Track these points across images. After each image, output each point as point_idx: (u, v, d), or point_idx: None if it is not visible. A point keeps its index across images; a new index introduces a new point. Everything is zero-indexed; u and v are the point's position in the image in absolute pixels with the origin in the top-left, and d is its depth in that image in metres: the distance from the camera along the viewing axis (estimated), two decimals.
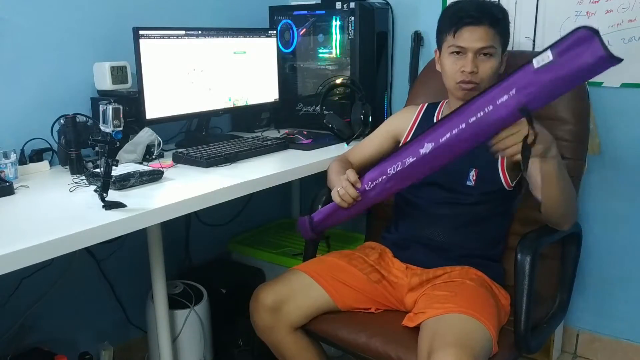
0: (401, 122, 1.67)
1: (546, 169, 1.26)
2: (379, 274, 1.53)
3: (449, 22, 1.46)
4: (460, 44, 1.44)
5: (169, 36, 1.78)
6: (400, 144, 1.61)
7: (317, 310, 1.47)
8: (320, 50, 2.19)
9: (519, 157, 1.15)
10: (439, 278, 1.46)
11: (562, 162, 1.29)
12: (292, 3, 2.32)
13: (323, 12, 2.15)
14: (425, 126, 1.59)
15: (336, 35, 2.13)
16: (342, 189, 1.38)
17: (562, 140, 1.55)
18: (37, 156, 1.64)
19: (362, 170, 1.43)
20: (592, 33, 1.03)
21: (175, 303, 1.77)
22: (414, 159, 1.27)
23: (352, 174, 1.39)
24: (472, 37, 1.42)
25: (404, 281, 1.51)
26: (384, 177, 1.33)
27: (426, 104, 1.67)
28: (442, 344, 1.18)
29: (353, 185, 1.37)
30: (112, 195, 1.28)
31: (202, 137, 1.97)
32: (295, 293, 1.47)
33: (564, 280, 1.55)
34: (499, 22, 1.45)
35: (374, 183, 1.35)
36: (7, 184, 1.39)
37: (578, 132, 1.56)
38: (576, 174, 1.55)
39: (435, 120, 1.60)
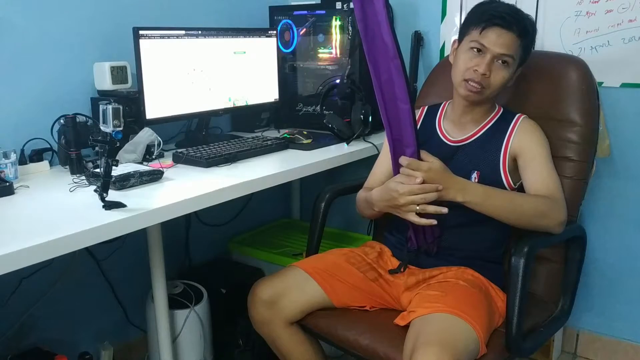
0: None
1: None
2: (376, 273, 1.54)
3: (479, 17, 1.43)
4: (484, 43, 1.41)
5: (169, 36, 1.78)
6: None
7: (312, 305, 1.48)
8: (320, 50, 2.19)
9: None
10: (434, 278, 1.47)
11: (490, 198, 1.38)
12: (292, 3, 2.32)
13: (323, 12, 2.15)
14: (428, 130, 1.60)
15: (336, 35, 2.13)
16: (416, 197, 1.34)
17: (570, 142, 1.54)
18: (37, 156, 1.63)
19: None
20: None
21: (175, 303, 1.77)
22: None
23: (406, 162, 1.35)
24: (497, 39, 1.40)
25: (400, 280, 1.51)
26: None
27: (426, 107, 1.67)
28: (424, 343, 1.19)
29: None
30: (112, 195, 1.28)
31: (202, 137, 1.97)
32: (291, 288, 1.48)
33: (567, 284, 1.54)
34: (527, 34, 1.43)
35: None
36: (7, 184, 1.39)
37: (587, 134, 1.54)
38: (583, 176, 1.54)
39: (437, 122, 1.60)
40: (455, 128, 1.56)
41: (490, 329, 1.33)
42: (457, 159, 1.51)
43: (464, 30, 1.48)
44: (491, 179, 1.47)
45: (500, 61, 1.42)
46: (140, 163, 1.61)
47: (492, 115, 1.54)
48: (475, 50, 1.43)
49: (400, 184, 1.35)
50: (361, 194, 1.60)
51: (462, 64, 1.45)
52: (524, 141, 1.47)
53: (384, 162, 1.65)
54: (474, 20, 1.44)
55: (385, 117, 1.33)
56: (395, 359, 1.29)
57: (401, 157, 1.34)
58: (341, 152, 1.86)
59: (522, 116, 1.53)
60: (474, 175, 1.47)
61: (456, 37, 1.54)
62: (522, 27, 1.42)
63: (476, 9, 1.48)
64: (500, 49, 1.40)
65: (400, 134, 1.33)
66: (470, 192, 1.36)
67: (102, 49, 1.79)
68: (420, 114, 1.66)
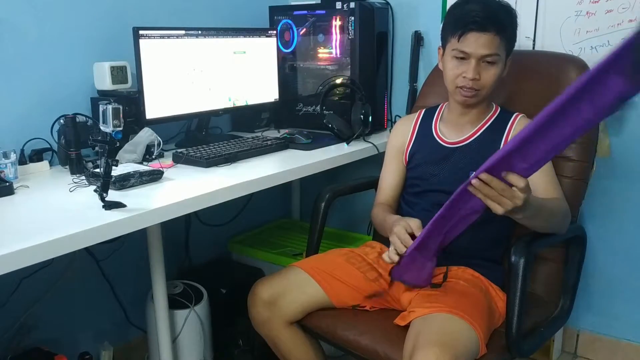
0: (400, 135, 1.66)
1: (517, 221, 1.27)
2: (377, 273, 1.54)
3: (455, 25, 1.43)
4: (464, 49, 1.41)
5: (169, 36, 1.78)
6: (404, 155, 1.64)
7: (312, 305, 1.48)
8: (320, 50, 2.19)
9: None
10: (434, 278, 1.46)
11: (540, 212, 1.27)
12: (292, 3, 2.32)
13: (323, 12, 2.15)
14: (424, 133, 1.61)
15: (336, 35, 2.13)
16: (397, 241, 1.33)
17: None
18: (37, 156, 1.63)
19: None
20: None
21: (175, 303, 1.77)
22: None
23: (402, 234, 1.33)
24: (477, 43, 1.39)
25: None
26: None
27: (423, 110, 1.68)
28: (424, 343, 1.19)
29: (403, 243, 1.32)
30: (112, 195, 1.28)
31: (202, 137, 1.96)
32: (291, 288, 1.49)
33: (567, 284, 1.54)
34: (505, 29, 1.42)
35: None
36: (7, 184, 1.39)
37: (586, 134, 1.54)
38: (583, 176, 1.54)
39: (434, 124, 1.61)
40: (452, 130, 1.57)
41: (490, 329, 1.33)
42: (454, 161, 1.51)
43: (444, 37, 1.49)
44: None
45: (486, 61, 1.41)
46: (140, 163, 1.61)
47: (489, 116, 1.54)
48: (458, 58, 1.43)
49: (400, 227, 1.33)
50: (377, 215, 1.59)
51: (451, 72, 1.46)
52: None
53: (389, 174, 1.66)
54: (451, 28, 1.44)
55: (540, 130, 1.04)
56: (395, 359, 1.29)
57: (510, 175, 1.12)
58: (341, 152, 1.86)
59: (520, 115, 1.53)
60: (472, 175, 1.47)
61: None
62: (498, 24, 1.40)
63: (449, 14, 1.48)
64: (482, 51, 1.40)
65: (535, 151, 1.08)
66: (529, 209, 1.20)
67: (102, 49, 1.79)
68: (417, 116, 1.66)
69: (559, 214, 1.38)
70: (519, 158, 1.08)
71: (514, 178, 1.11)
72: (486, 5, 1.41)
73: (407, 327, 1.32)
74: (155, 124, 1.76)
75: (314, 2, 2.20)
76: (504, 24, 1.41)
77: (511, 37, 1.46)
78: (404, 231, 1.32)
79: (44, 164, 1.64)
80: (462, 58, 1.42)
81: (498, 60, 1.42)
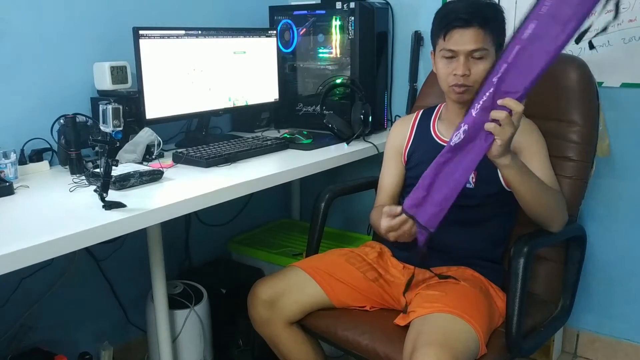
0: (399, 135, 1.66)
1: (505, 175, 1.31)
2: (376, 273, 1.54)
3: (439, 25, 1.45)
4: (451, 47, 1.41)
5: (169, 36, 1.78)
6: (402, 155, 1.64)
7: (312, 306, 1.48)
8: (320, 50, 2.19)
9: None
10: (434, 278, 1.46)
11: (528, 172, 1.31)
12: (292, 3, 2.32)
13: (323, 12, 2.15)
14: (422, 133, 1.61)
15: (336, 35, 2.13)
16: (389, 228, 1.32)
17: (569, 142, 1.55)
18: (37, 156, 1.63)
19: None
20: None
21: (175, 303, 1.77)
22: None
23: (385, 215, 1.33)
24: (462, 39, 1.40)
25: (400, 280, 1.52)
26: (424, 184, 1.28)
27: (421, 111, 1.68)
28: (424, 343, 1.19)
29: (392, 215, 1.32)
30: (112, 195, 1.28)
31: (202, 137, 1.96)
32: (291, 288, 1.49)
33: (567, 284, 1.54)
34: (488, 22, 1.41)
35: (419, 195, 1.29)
36: (7, 184, 1.39)
37: (586, 134, 1.54)
38: (583, 176, 1.54)
39: (432, 124, 1.61)
40: (450, 129, 1.56)
41: (490, 329, 1.33)
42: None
43: (433, 41, 1.50)
44: (489, 179, 1.46)
45: (474, 57, 1.41)
46: (140, 163, 1.61)
47: None
48: (447, 57, 1.44)
49: (387, 219, 1.33)
50: (374, 219, 1.59)
51: (442, 72, 1.47)
52: (522, 140, 1.46)
53: (388, 175, 1.66)
54: (436, 29, 1.46)
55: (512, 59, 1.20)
56: (395, 359, 1.29)
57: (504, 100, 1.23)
58: (341, 152, 1.86)
59: None
60: (472, 175, 1.47)
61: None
62: (481, 18, 1.40)
63: (435, 17, 1.50)
64: (468, 46, 1.40)
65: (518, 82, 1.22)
66: (516, 159, 1.30)
67: (102, 49, 1.79)
68: (415, 117, 1.67)
69: (550, 194, 1.38)
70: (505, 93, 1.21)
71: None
72: (469, 3, 1.43)
73: (407, 327, 1.32)
74: (155, 124, 1.76)
75: (314, 2, 2.20)
76: (487, 17, 1.41)
77: (497, 29, 1.45)
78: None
79: (44, 164, 1.64)
80: (450, 57, 1.43)
81: (486, 54, 1.42)
